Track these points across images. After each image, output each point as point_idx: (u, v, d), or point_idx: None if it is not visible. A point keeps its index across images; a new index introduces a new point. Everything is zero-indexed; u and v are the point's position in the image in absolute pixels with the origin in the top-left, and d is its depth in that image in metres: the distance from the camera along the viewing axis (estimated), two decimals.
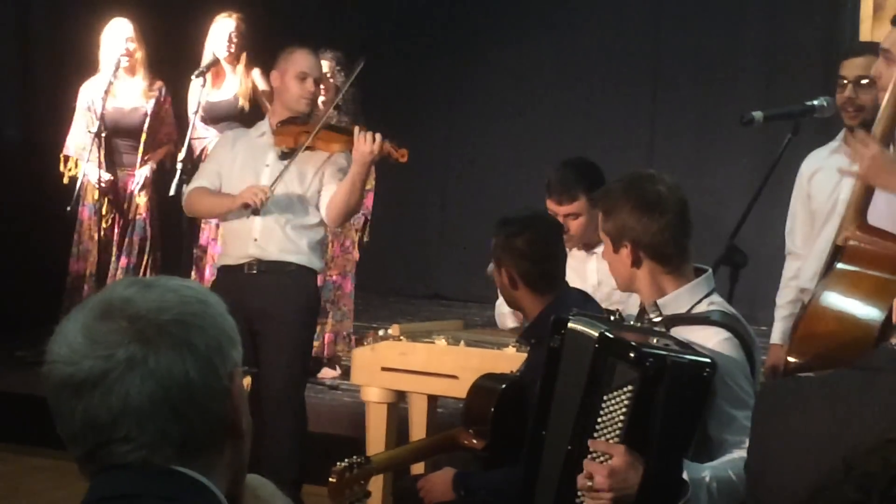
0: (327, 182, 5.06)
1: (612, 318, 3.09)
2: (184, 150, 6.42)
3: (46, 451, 5.72)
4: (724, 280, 3.85)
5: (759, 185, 4.16)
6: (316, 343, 6.58)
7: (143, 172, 6.74)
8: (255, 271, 5.01)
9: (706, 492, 2.81)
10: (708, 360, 2.82)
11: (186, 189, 5.35)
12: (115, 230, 6.76)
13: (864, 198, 3.39)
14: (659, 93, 8.86)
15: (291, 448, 4.98)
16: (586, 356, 2.88)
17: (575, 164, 4.63)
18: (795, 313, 4.02)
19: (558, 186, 4.51)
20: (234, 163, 5.12)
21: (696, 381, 2.81)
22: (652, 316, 3.10)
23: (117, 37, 6.68)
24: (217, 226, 6.41)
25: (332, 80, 6.24)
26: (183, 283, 1.57)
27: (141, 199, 6.75)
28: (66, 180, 6.67)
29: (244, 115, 6.58)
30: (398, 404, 4.86)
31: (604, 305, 3.83)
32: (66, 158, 6.74)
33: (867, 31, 6.28)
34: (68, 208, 6.56)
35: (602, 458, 2.84)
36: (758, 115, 4.18)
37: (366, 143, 4.89)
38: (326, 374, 6.66)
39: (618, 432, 2.82)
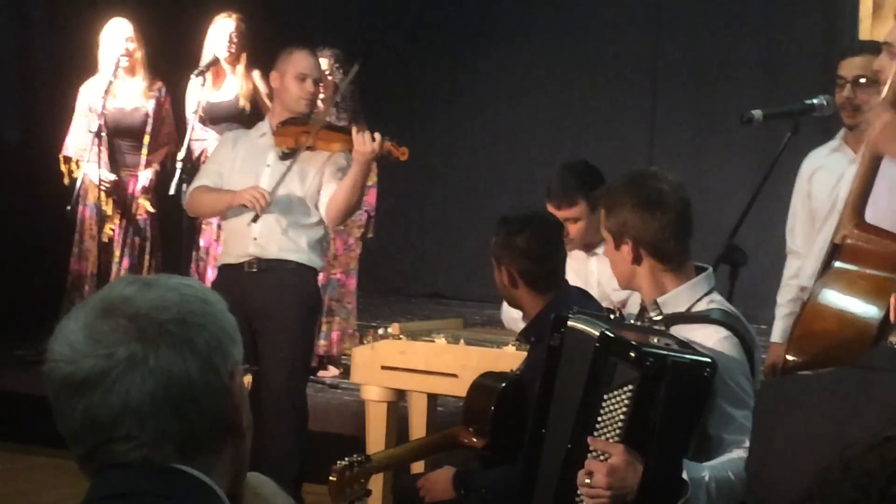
0: (327, 181, 5.07)
1: (612, 316, 3.10)
2: (183, 149, 6.42)
3: (46, 449, 5.72)
4: (723, 278, 3.86)
5: (758, 184, 4.16)
6: (324, 342, 6.60)
7: (146, 174, 6.74)
8: (255, 270, 5.02)
9: (705, 491, 2.81)
10: (708, 359, 2.82)
11: (187, 189, 5.35)
12: (118, 230, 6.76)
13: (861, 196, 3.39)
14: (659, 91, 8.86)
15: (292, 446, 4.98)
16: (586, 355, 2.88)
17: (575, 168, 4.62)
18: (796, 312, 4.02)
19: (558, 191, 4.51)
20: (234, 163, 5.13)
21: (696, 381, 2.81)
22: (652, 314, 3.10)
23: (116, 37, 6.68)
24: (219, 227, 6.42)
25: (330, 78, 6.23)
26: (183, 282, 1.57)
27: (144, 200, 6.75)
28: (66, 181, 6.66)
29: (245, 116, 6.58)
30: (398, 403, 4.86)
31: (603, 305, 3.83)
32: (67, 159, 6.74)
33: (867, 29, 6.28)
34: (68, 208, 6.56)
35: (602, 457, 2.84)
36: (757, 113, 4.19)
37: (366, 143, 4.90)
38: (326, 372, 6.67)
39: (618, 431, 2.82)
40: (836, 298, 3.24)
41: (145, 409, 1.48)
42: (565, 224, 4.37)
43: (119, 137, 6.74)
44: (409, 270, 9.46)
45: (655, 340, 2.87)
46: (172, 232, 6.82)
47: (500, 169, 9.12)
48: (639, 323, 3.15)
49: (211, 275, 6.35)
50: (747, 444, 2.75)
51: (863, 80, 4.18)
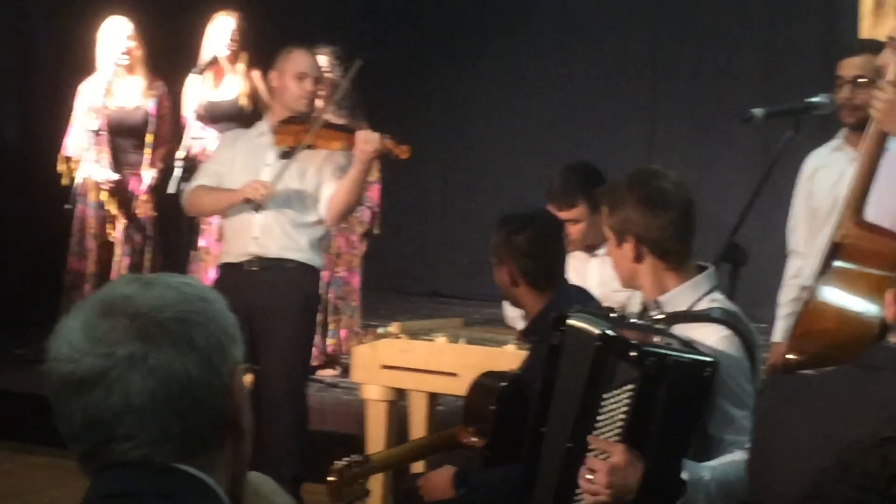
0: (327, 180, 5.06)
1: (612, 314, 3.09)
2: (182, 149, 6.42)
3: (46, 449, 5.72)
4: (724, 277, 3.84)
5: (759, 183, 4.15)
6: (332, 340, 6.60)
7: (150, 174, 6.74)
8: (255, 268, 5.01)
9: (704, 492, 2.81)
10: (709, 359, 2.81)
11: (186, 188, 5.35)
12: (119, 229, 6.76)
13: (861, 195, 3.39)
14: (659, 89, 8.86)
15: (291, 445, 4.98)
16: (587, 354, 2.88)
17: (576, 169, 4.62)
18: (797, 312, 4.02)
19: (559, 192, 4.51)
20: (234, 162, 5.13)
21: (696, 381, 2.80)
22: (653, 313, 3.10)
23: (115, 35, 6.67)
24: (220, 226, 6.43)
25: (329, 76, 6.23)
26: (183, 281, 1.56)
27: (147, 201, 6.74)
28: (65, 181, 6.66)
29: (245, 115, 6.57)
30: (398, 402, 4.86)
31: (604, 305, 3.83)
32: (67, 159, 6.73)
33: (867, 27, 6.28)
34: (67, 207, 6.56)
35: (602, 456, 2.84)
36: (758, 112, 4.18)
37: (366, 141, 4.90)
38: (325, 371, 6.67)
39: (618, 431, 2.82)
40: (837, 297, 3.24)
41: (145, 409, 1.47)
42: (566, 225, 4.37)
43: (120, 136, 6.74)
44: (409, 269, 9.46)
45: (656, 339, 2.87)
46: (171, 231, 6.83)
47: (500, 168, 9.12)
48: (640, 322, 3.14)
49: (211, 275, 6.36)
50: (747, 444, 2.75)
51: (862, 81, 4.18)
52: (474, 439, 3.72)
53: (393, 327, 4.83)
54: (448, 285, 9.39)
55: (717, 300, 3.13)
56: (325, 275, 6.55)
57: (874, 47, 4.12)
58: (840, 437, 1.53)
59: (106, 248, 6.74)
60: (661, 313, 3.08)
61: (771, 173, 4.11)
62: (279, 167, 5.02)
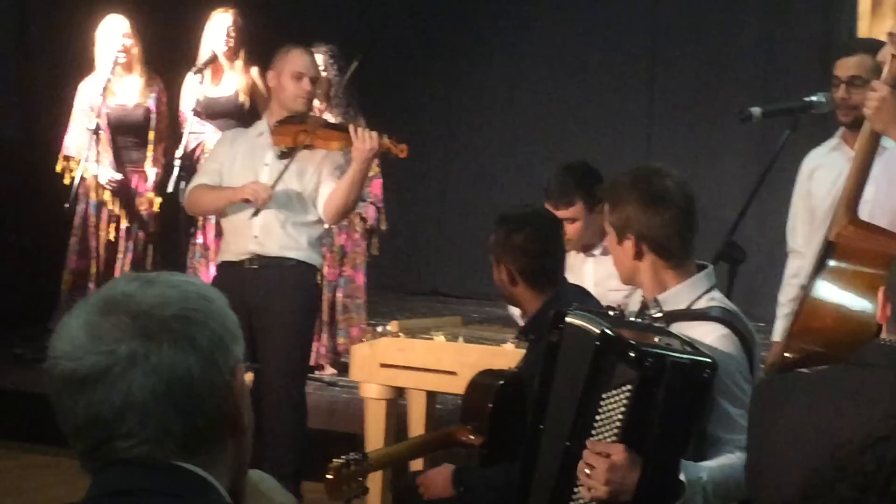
0: (325, 179, 5.07)
1: (611, 313, 3.10)
2: (181, 147, 6.43)
3: (45, 447, 5.72)
4: (722, 276, 3.85)
5: (757, 182, 4.16)
6: (343, 339, 6.61)
7: (154, 171, 6.74)
8: (255, 266, 5.02)
9: (702, 493, 2.81)
10: (709, 360, 2.81)
11: (185, 187, 5.36)
12: (122, 227, 6.77)
13: (855, 193, 3.40)
14: (657, 88, 8.86)
15: (291, 443, 4.98)
16: (586, 353, 2.88)
17: (573, 168, 4.63)
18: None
19: (556, 191, 4.52)
20: (233, 162, 5.13)
21: (695, 382, 2.79)
22: (652, 311, 3.10)
23: (113, 33, 6.67)
24: (218, 224, 6.45)
25: (325, 74, 6.23)
26: (185, 279, 1.56)
27: (155, 198, 6.74)
28: (67, 181, 6.65)
29: (243, 112, 6.58)
30: (397, 401, 4.86)
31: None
32: (67, 158, 6.73)
33: (865, 26, 6.29)
34: (66, 206, 6.56)
35: (603, 457, 2.83)
36: (756, 111, 4.19)
37: (365, 140, 4.90)
38: (327, 370, 6.68)
39: (615, 431, 2.81)
40: (833, 296, 3.25)
41: (147, 406, 1.48)
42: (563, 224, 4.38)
43: (121, 134, 6.75)
44: (408, 268, 9.46)
45: (656, 339, 2.86)
46: (171, 229, 6.83)
47: (499, 167, 9.13)
48: (639, 320, 3.14)
49: (211, 272, 6.37)
50: (744, 442, 2.75)
51: (857, 81, 4.18)
52: (472, 437, 3.73)
53: (392, 326, 4.84)
54: (447, 284, 9.39)
55: (715, 299, 3.13)
56: (331, 274, 6.57)
57: (870, 47, 4.13)
58: (833, 436, 1.54)
59: (109, 246, 6.74)
60: (660, 311, 3.09)
61: (769, 172, 4.12)
62: (278, 167, 5.02)
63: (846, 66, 4.27)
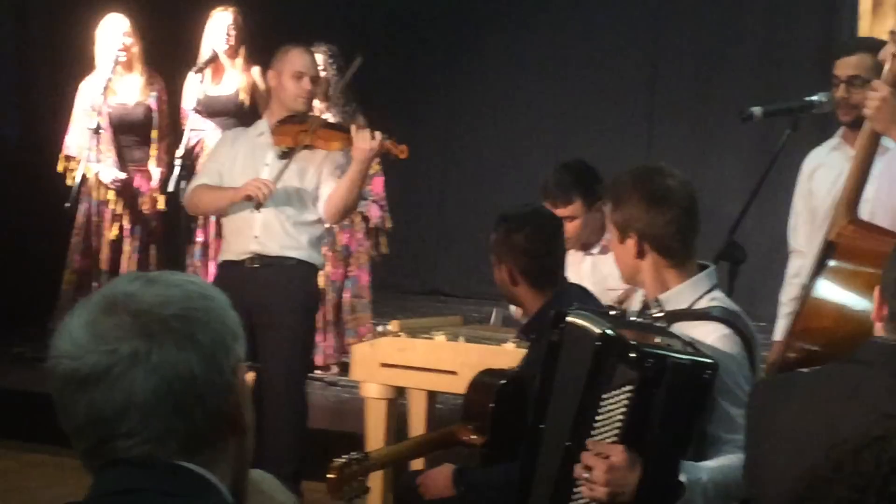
0: (325, 179, 5.07)
1: (612, 313, 3.09)
2: (182, 146, 6.43)
3: (46, 447, 5.72)
4: (723, 275, 3.85)
5: (758, 181, 4.16)
6: (352, 339, 6.61)
7: (159, 171, 6.74)
8: (256, 266, 5.02)
9: (702, 494, 2.81)
10: (709, 360, 2.80)
11: (186, 186, 5.36)
12: (126, 226, 6.77)
13: (854, 193, 3.40)
14: (657, 88, 8.86)
15: (291, 442, 4.99)
16: (587, 353, 2.87)
17: (571, 166, 4.64)
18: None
19: (554, 189, 4.53)
20: (234, 162, 5.13)
21: (696, 383, 2.79)
22: (654, 311, 3.10)
23: (113, 32, 6.67)
24: (217, 223, 6.45)
25: (324, 74, 6.22)
26: (186, 278, 1.56)
27: (159, 197, 6.75)
28: (69, 181, 6.65)
29: (243, 111, 6.58)
30: (397, 400, 4.87)
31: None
32: (69, 158, 6.73)
33: (866, 26, 6.28)
34: (66, 205, 6.56)
35: (602, 457, 2.83)
36: (757, 110, 4.19)
37: (365, 141, 4.90)
38: (332, 370, 6.68)
39: (616, 431, 2.81)
40: (833, 295, 3.24)
41: (148, 406, 1.48)
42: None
43: (122, 133, 6.75)
44: (408, 268, 9.45)
45: (658, 340, 2.85)
46: (171, 228, 6.83)
47: (499, 166, 9.13)
48: (640, 320, 3.14)
49: (211, 270, 6.38)
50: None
51: (857, 80, 4.18)
52: (473, 437, 3.73)
53: (392, 325, 4.84)
54: (447, 284, 9.39)
55: (717, 299, 3.13)
56: (335, 274, 6.57)
57: (870, 46, 4.13)
58: (830, 435, 1.54)
59: (113, 246, 6.75)
60: (662, 311, 3.08)
61: (769, 172, 4.12)
62: (279, 167, 5.02)
63: (846, 66, 4.27)
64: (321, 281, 6.16)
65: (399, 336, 4.75)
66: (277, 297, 4.96)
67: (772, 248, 5.16)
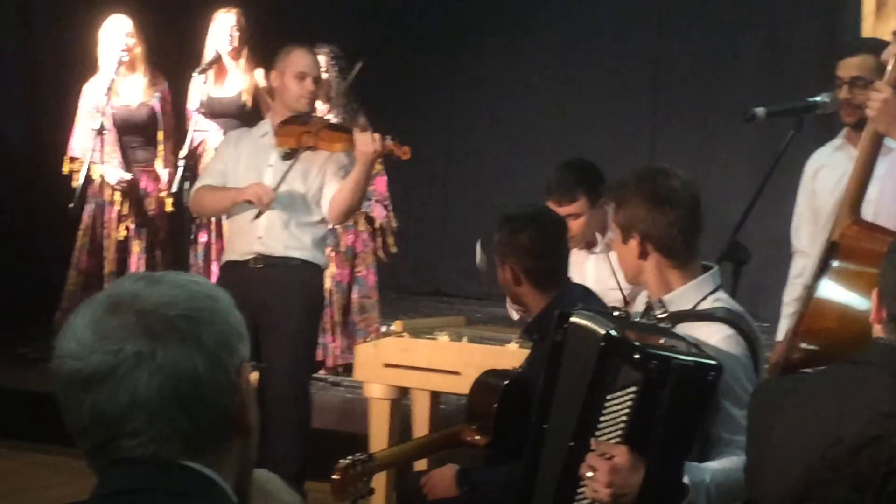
0: (329, 180, 5.08)
1: (615, 313, 3.09)
2: (185, 147, 6.43)
3: (49, 447, 5.73)
4: (726, 276, 3.85)
5: (761, 182, 4.16)
6: (363, 339, 6.61)
7: (167, 171, 6.74)
8: (260, 266, 5.03)
9: (705, 495, 2.81)
10: (713, 362, 2.80)
11: (189, 188, 5.37)
12: (132, 227, 6.78)
13: (857, 193, 3.40)
14: (661, 89, 8.86)
15: (295, 442, 4.99)
16: (591, 354, 2.87)
17: (574, 164, 4.64)
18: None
19: (558, 187, 4.52)
20: (238, 163, 5.14)
21: (700, 385, 2.78)
22: (657, 312, 3.10)
23: (116, 33, 6.68)
24: (218, 223, 6.47)
25: (326, 76, 6.22)
26: (191, 279, 1.57)
27: (165, 197, 6.76)
28: (74, 183, 6.66)
29: (245, 112, 6.59)
30: (401, 401, 4.87)
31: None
32: (73, 160, 6.73)
33: (869, 26, 6.29)
34: (70, 206, 6.56)
35: (605, 458, 2.83)
36: (760, 111, 4.18)
37: (368, 143, 4.91)
38: (324, 370, 6.69)
39: (619, 432, 2.81)
40: (837, 296, 3.24)
41: (153, 405, 1.48)
42: (566, 221, 4.37)
43: (127, 135, 6.75)
44: (411, 268, 9.45)
45: (662, 341, 2.85)
46: (175, 229, 6.84)
47: (502, 166, 9.12)
48: (644, 321, 3.14)
49: (213, 270, 6.39)
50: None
51: (860, 81, 4.18)
52: (477, 437, 3.73)
53: (395, 326, 4.85)
54: (450, 284, 9.39)
55: (721, 299, 3.13)
56: (340, 275, 6.57)
57: (873, 47, 4.13)
58: (832, 436, 1.54)
59: (119, 246, 6.76)
60: (665, 312, 3.09)
61: (773, 172, 4.12)
62: (282, 168, 5.03)
63: (849, 67, 4.27)
64: (327, 282, 6.17)
65: (402, 336, 4.75)
66: (281, 297, 4.97)
67: (775, 249, 5.15)
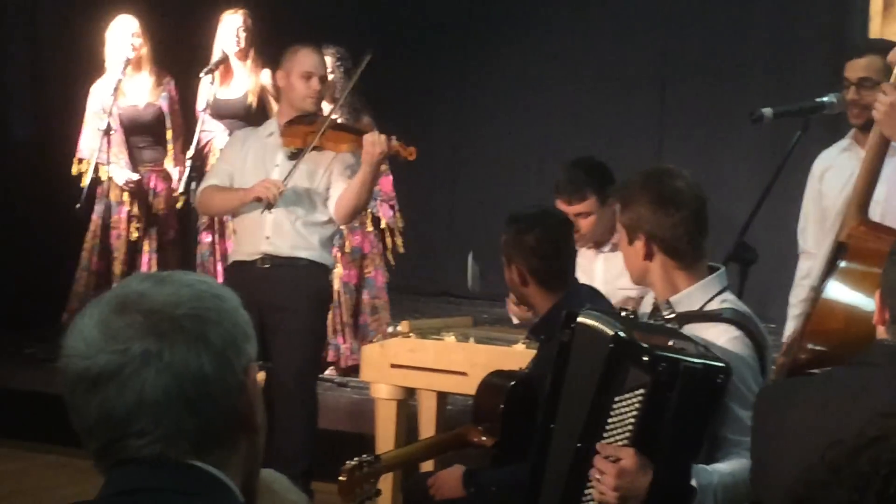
0: (335, 180, 5.08)
1: (623, 314, 3.09)
2: (192, 147, 6.44)
3: (57, 448, 5.74)
4: (733, 277, 3.85)
5: (768, 182, 4.16)
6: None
7: (177, 170, 6.74)
8: (267, 266, 5.03)
9: (713, 498, 2.81)
10: (722, 365, 2.79)
11: (196, 187, 5.37)
12: (142, 228, 6.79)
13: (865, 194, 3.39)
14: (668, 89, 8.85)
15: (302, 440, 4.99)
16: (599, 356, 2.86)
17: (583, 163, 4.63)
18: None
19: (567, 186, 4.51)
20: (244, 163, 5.15)
21: (709, 388, 2.78)
22: (665, 313, 3.10)
23: (122, 34, 6.69)
24: (221, 223, 6.47)
25: (332, 77, 6.22)
26: (197, 278, 1.57)
27: (176, 196, 6.76)
28: (83, 183, 6.66)
29: (250, 114, 6.59)
30: (408, 401, 4.87)
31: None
32: (81, 161, 6.75)
33: (876, 27, 6.28)
34: (77, 206, 6.57)
35: (612, 460, 2.83)
36: (767, 111, 4.18)
37: (374, 144, 4.91)
38: (334, 370, 6.69)
39: (627, 434, 2.80)
40: (844, 297, 3.24)
41: (160, 405, 1.48)
42: (576, 220, 4.37)
43: (134, 135, 6.76)
44: (418, 269, 9.44)
45: (671, 343, 2.84)
46: (183, 228, 6.85)
47: (509, 167, 9.12)
48: (652, 322, 3.14)
49: (220, 270, 6.40)
50: None
51: (867, 82, 4.17)
52: (483, 438, 3.73)
53: (402, 326, 4.85)
54: (457, 285, 9.37)
55: (728, 300, 3.13)
56: (347, 276, 6.58)
57: (880, 48, 4.12)
58: (837, 436, 1.53)
59: (131, 246, 6.77)
60: (672, 313, 3.08)
61: (780, 173, 4.11)
62: (288, 168, 5.03)
63: (856, 68, 4.26)
64: (335, 283, 6.18)
65: (409, 337, 4.75)
66: (288, 297, 4.97)
67: (782, 250, 5.14)
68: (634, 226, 3.13)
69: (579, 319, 3.02)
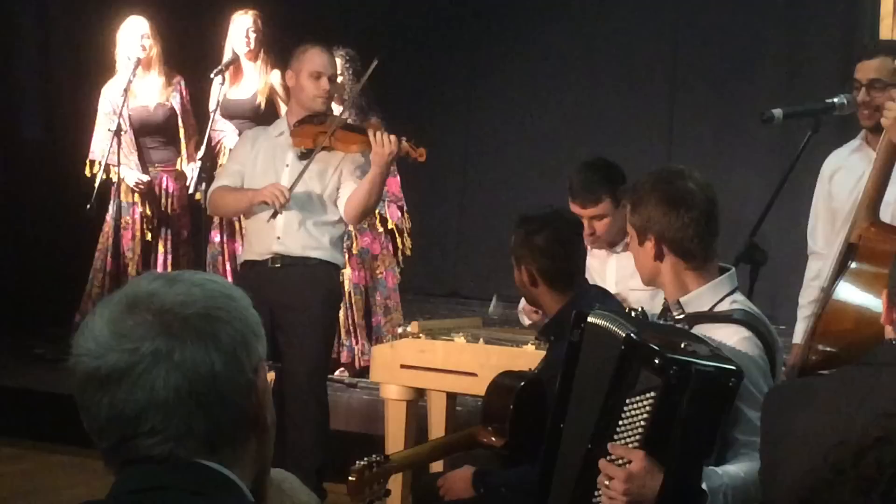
0: (345, 180, 5.09)
1: (633, 314, 3.08)
2: (203, 148, 6.45)
3: (67, 447, 5.75)
4: (743, 278, 3.84)
5: (778, 183, 4.15)
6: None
7: (191, 168, 6.75)
8: (278, 266, 5.04)
9: (723, 500, 2.80)
10: (734, 367, 2.78)
11: (206, 188, 5.38)
12: (155, 228, 6.80)
13: (876, 195, 3.39)
14: (678, 90, 8.84)
15: (314, 438, 5.00)
16: (610, 357, 2.85)
17: (596, 165, 4.60)
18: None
19: (581, 189, 4.47)
20: (255, 163, 5.15)
21: (720, 391, 2.76)
22: (675, 314, 3.09)
23: (133, 35, 6.71)
24: (229, 224, 6.49)
25: (341, 78, 6.22)
26: (208, 278, 1.57)
27: (189, 196, 6.77)
28: (96, 183, 6.66)
29: (260, 114, 6.60)
30: (417, 402, 4.87)
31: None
32: (93, 163, 6.76)
33: (887, 27, 6.26)
34: (88, 207, 6.59)
35: (621, 462, 2.82)
36: (777, 112, 4.17)
37: (384, 144, 4.91)
38: (346, 371, 6.69)
39: (637, 437, 2.80)
40: (854, 298, 3.24)
41: (170, 404, 1.48)
42: (590, 223, 4.35)
43: (145, 135, 6.78)
44: (428, 270, 9.45)
45: (682, 345, 2.83)
46: (195, 228, 6.86)
47: (519, 168, 9.12)
48: (663, 323, 3.13)
49: (228, 269, 6.41)
50: None
51: (878, 84, 4.17)
52: (493, 439, 3.73)
53: (412, 327, 4.85)
54: (467, 285, 9.39)
55: (738, 301, 3.12)
56: (356, 276, 6.58)
57: (891, 49, 4.11)
58: (846, 436, 1.53)
59: (144, 247, 6.78)
60: (683, 313, 3.08)
61: (790, 174, 4.11)
62: (299, 168, 5.04)
63: (866, 70, 4.25)
64: (346, 284, 6.18)
65: (419, 338, 4.76)
66: (299, 296, 4.98)
67: (793, 251, 5.13)
68: (645, 227, 3.13)
69: (589, 320, 3.01)
